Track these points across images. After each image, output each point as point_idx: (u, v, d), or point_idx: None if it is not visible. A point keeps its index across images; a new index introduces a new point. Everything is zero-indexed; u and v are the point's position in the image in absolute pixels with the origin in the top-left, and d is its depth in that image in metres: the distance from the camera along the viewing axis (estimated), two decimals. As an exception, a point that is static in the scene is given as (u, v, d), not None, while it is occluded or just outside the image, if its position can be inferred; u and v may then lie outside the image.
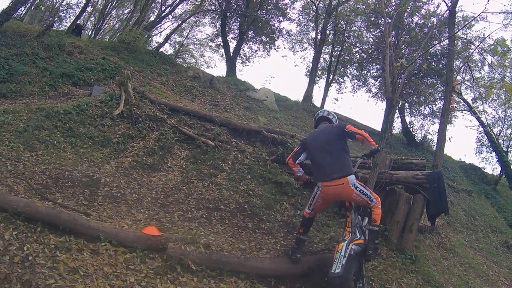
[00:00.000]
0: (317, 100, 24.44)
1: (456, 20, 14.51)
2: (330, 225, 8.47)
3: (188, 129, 9.82)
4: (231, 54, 22.69)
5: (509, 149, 29.33)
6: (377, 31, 20.53)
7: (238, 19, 23.16)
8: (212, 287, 5.23)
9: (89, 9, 27.14)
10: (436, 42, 16.88)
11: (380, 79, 22.42)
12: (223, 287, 5.31)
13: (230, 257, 5.87)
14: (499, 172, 26.32)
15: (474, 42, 17.82)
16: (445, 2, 13.60)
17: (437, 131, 13.10)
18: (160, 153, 8.96)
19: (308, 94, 22.41)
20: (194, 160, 9.07)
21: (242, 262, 5.82)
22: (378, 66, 21.79)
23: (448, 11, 13.25)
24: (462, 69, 19.07)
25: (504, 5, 25.03)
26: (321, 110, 6.95)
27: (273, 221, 7.90)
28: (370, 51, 21.60)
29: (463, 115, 26.25)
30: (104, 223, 5.64)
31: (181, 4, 25.30)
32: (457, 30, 14.60)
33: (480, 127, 26.60)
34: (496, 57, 16.43)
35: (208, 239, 6.21)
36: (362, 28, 22.32)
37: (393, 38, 19.23)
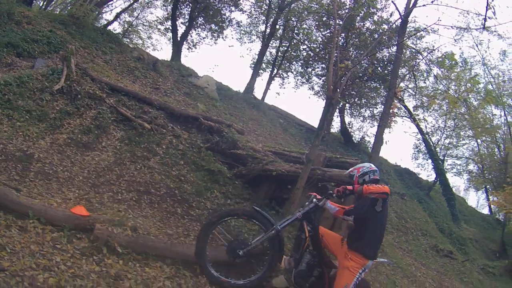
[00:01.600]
0: (258, 93, 24.63)
1: (408, 30, 14.96)
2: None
3: (126, 110, 9.74)
4: (178, 39, 22.27)
5: (446, 158, 30.89)
6: (327, 31, 20.60)
7: (190, 4, 22.73)
8: (137, 270, 5.25)
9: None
10: (384, 47, 17.27)
11: (324, 78, 22.45)
12: (148, 271, 5.35)
13: (157, 241, 5.91)
14: (433, 179, 27.56)
15: (422, 52, 18.49)
16: (398, 11, 13.81)
17: (375, 134, 13.52)
18: (95, 132, 8.81)
19: (250, 86, 22.35)
20: (128, 141, 9.01)
21: (168, 247, 5.88)
22: (323, 65, 21.85)
23: (400, 19, 13.50)
24: (407, 77, 19.71)
25: (458, 21, 26.07)
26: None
27: (202, 208, 7.96)
28: (318, 50, 21.76)
29: (403, 121, 27.10)
30: (34, 200, 5.60)
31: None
32: (406, 38, 15.04)
33: (419, 134, 27.72)
34: (442, 70, 17.15)
35: (136, 222, 6.22)
36: (313, 27, 22.33)
37: (341, 40, 19.45)
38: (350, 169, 5.71)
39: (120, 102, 10.05)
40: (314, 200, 5.50)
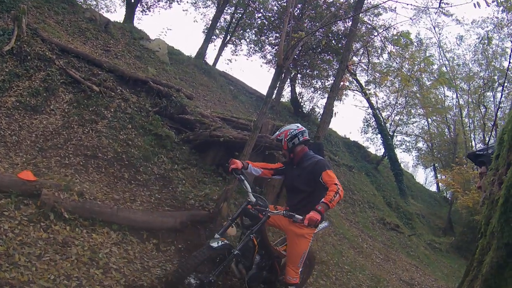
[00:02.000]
0: (210, 59, 24.47)
1: (365, 6, 15.02)
2: (206, 182, 8.76)
3: (75, 72, 9.55)
4: (132, 1, 21.70)
5: (395, 134, 31.75)
6: (284, 0, 20.31)
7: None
8: (84, 236, 5.34)
9: None
10: (339, 21, 17.25)
11: (276, 47, 22.33)
12: (95, 237, 5.45)
13: (103, 206, 5.95)
14: (382, 154, 28.27)
15: (378, 29, 18.71)
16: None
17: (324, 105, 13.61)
18: (44, 95, 8.64)
19: (202, 51, 22.20)
20: (77, 104, 8.88)
21: (115, 212, 5.92)
22: (277, 35, 21.69)
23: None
24: (361, 52, 19.95)
25: (416, 1, 26.31)
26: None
27: (149, 173, 8.05)
28: (273, 19, 21.63)
29: (354, 95, 27.54)
30: (-20, 167, 5.61)
31: None
32: (363, 12, 15.11)
33: (369, 108, 28.27)
34: (397, 48, 17.37)
35: (82, 187, 6.27)
36: (269, -4, 22.14)
37: (297, 11, 19.44)
38: (277, 133, 5.35)
39: (70, 64, 9.82)
40: (264, 209, 4.90)
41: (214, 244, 4.49)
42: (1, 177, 5.50)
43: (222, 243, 4.56)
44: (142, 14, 23.43)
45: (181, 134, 10.03)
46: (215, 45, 25.67)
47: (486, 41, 26.33)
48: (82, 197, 5.93)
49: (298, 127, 5.31)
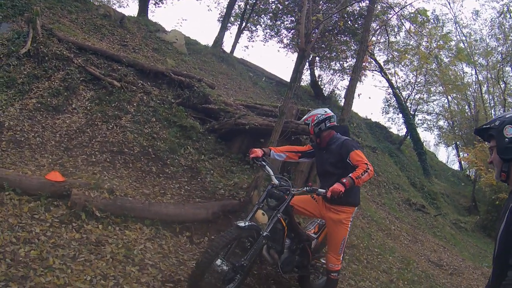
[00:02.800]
0: (227, 46, 24.16)
1: None
2: (234, 171, 8.60)
3: (95, 69, 9.39)
4: (144, -7, 21.55)
5: (416, 113, 31.26)
6: None
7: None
8: (117, 234, 5.23)
9: None
10: (355, 1, 16.97)
11: (293, 30, 22.20)
12: (129, 234, 5.33)
13: (135, 202, 5.83)
14: (404, 133, 27.89)
15: (394, 7, 18.32)
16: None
17: (346, 87, 13.39)
18: (65, 94, 8.50)
19: (219, 40, 21.87)
20: (99, 101, 8.72)
21: (146, 207, 5.80)
22: (292, 18, 21.50)
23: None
24: (378, 31, 19.60)
25: None
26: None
27: (177, 165, 7.92)
28: (287, 2, 21.28)
29: (373, 75, 27.16)
30: (7, 170, 5.45)
31: None
32: None
33: (390, 88, 27.86)
34: (414, 25, 17.02)
35: (112, 184, 6.11)
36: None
37: None
38: (305, 117, 5.22)
39: (89, 61, 9.65)
40: (288, 188, 4.81)
41: (242, 224, 4.38)
42: (30, 180, 5.37)
43: (250, 223, 4.45)
44: (155, 7, 23.28)
45: (205, 124, 9.85)
46: (231, 33, 25.63)
47: (508, 14, 25.60)
48: (112, 194, 5.79)
49: (326, 112, 5.12)
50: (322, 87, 24.56)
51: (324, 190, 4.32)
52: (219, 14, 25.23)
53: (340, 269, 5.21)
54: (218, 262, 4.27)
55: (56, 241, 4.60)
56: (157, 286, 4.55)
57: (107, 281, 4.28)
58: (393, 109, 29.94)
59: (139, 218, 5.70)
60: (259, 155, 5.01)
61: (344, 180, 4.27)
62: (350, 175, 4.39)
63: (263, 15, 24.24)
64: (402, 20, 17.14)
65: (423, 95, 31.59)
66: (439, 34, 25.50)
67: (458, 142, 36.79)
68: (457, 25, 32.49)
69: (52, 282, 3.93)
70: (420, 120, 35.81)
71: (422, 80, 29.29)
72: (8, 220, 4.61)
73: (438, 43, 23.29)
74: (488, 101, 33.38)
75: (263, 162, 5.02)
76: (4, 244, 4.20)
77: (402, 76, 28.60)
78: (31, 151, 6.74)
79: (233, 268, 4.36)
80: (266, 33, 24.39)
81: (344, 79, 24.58)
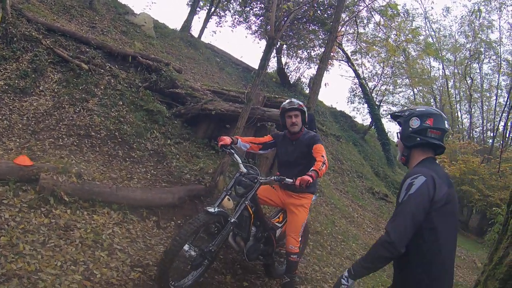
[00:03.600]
0: (195, 31, 23.85)
1: None
2: (200, 156, 8.67)
3: (63, 51, 9.21)
4: (114, -26, 20.97)
5: (381, 104, 31.56)
6: None
7: None
8: (86, 219, 5.24)
9: None
10: None
11: (261, 17, 22.00)
12: (97, 218, 5.35)
13: (102, 186, 5.82)
14: (369, 123, 28.03)
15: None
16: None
17: (312, 76, 13.41)
18: (33, 76, 8.33)
19: (187, 24, 21.66)
20: (66, 84, 8.59)
21: (114, 192, 5.81)
22: (262, 5, 21.41)
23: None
24: (347, 22, 19.72)
25: None
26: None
27: (143, 149, 7.93)
28: (257, -11, 20.99)
29: (339, 65, 27.22)
30: (-25, 155, 5.40)
31: None
32: None
33: (356, 78, 27.87)
34: (384, 18, 17.16)
35: (79, 168, 6.08)
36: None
37: None
38: (299, 104, 5.22)
39: (57, 43, 9.45)
40: (256, 177, 4.86)
41: (211, 209, 4.43)
42: (-2, 165, 5.28)
43: (219, 209, 4.51)
44: (125, -12, 22.67)
45: (172, 109, 9.86)
46: (199, 17, 25.21)
47: (478, 13, 26.20)
48: (80, 178, 5.76)
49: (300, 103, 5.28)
50: (288, 74, 24.50)
51: (291, 180, 4.41)
52: (189, -2, 24.87)
53: (299, 252, 5.32)
54: (186, 247, 4.33)
55: (26, 227, 4.59)
56: (126, 270, 4.60)
57: (77, 266, 4.31)
58: (359, 99, 30.16)
59: (106, 203, 5.72)
60: (227, 143, 5.05)
61: (310, 173, 4.40)
62: (312, 168, 4.52)
63: (232, 1, 24.07)
64: (372, 13, 17.34)
65: (389, 86, 32.10)
66: (408, 28, 25.86)
67: (422, 135, 37.50)
68: (427, 20, 33.16)
69: (23, 269, 3.94)
70: (385, 111, 36.31)
71: (388, 72, 29.65)
72: (-23, 206, 4.55)
73: (407, 37, 23.62)
74: (454, 96, 34.35)
75: (231, 150, 5.07)
76: (-27, 231, 4.17)
77: (369, 67, 28.90)
78: (-2, 134, 6.60)
79: (201, 253, 4.42)
80: (235, 19, 24.18)
81: (310, 68, 24.65)
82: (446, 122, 3.00)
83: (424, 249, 2.76)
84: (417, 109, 3.09)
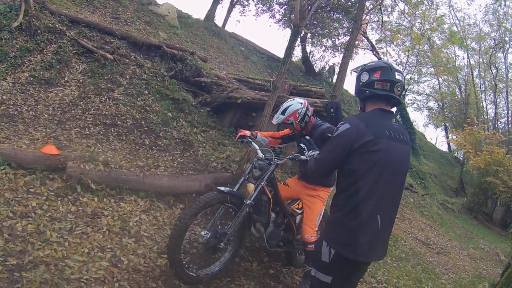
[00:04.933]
0: (219, 20, 23.67)
1: None
2: (226, 144, 8.59)
3: (87, 42, 9.17)
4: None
5: (406, 93, 31.17)
6: None
7: None
8: (113, 206, 5.22)
9: None
10: None
11: (285, 6, 21.80)
12: (124, 206, 5.32)
13: (129, 174, 5.79)
14: (394, 112, 27.72)
15: None
16: None
17: (338, 64, 13.25)
18: (57, 67, 8.30)
19: (211, 13, 21.35)
20: (91, 74, 8.56)
21: (141, 179, 5.77)
22: (285, -7, 21.15)
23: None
24: (371, 10, 19.44)
25: None
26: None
27: (169, 138, 7.87)
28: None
29: (364, 53, 26.87)
30: (2, 145, 5.37)
31: None
32: None
33: None
34: (408, 6, 16.86)
35: (106, 156, 6.06)
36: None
37: None
38: (283, 117, 4.92)
39: (81, 34, 9.43)
40: (271, 159, 4.78)
41: (222, 188, 4.40)
42: (25, 154, 5.28)
43: (231, 189, 4.47)
44: (147, -21, 22.64)
45: (198, 97, 9.79)
46: (222, 7, 24.91)
47: (503, 1, 25.48)
48: (107, 166, 5.75)
49: (301, 103, 4.98)
50: (313, 63, 24.07)
51: (305, 157, 4.15)
52: (212, -13, 24.69)
53: (315, 241, 5.15)
54: (203, 232, 4.33)
55: (53, 215, 4.57)
56: (153, 257, 4.55)
57: (104, 253, 4.28)
58: (384, 87, 29.60)
59: (133, 190, 5.67)
60: (246, 134, 5.10)
61: None
62: None
63: (255, -11, 23.64)
64: (396, 1, 16.98)
65: (414, 75, 31.73)
66: (432, 16, 25.32)
67: (447, 124, 36.92)
68: (451, 8, 32.45)
69: (51, 256, 3.91)
70: (410, 100, 35.97)
71: (413, 61, 29.30)
72: (4, 194, 4.56)
73: (431, 25, 23.11)
74: (479, 85, 33.66)
75: (249, 139, 5.06)
76: (1, 219, 4.17)
77: (393, 56, 28.46)
78: (24, 125, 6.61)
79: (215, 235, 4.34)
80: (258, 7, 23.80)
81: (335, 56, 24.39)
82: (396, 73, 3.16)
83: (344, 186, 3.10)
84: (368, 64, 3.32)
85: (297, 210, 5.44)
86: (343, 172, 3.10)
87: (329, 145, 3.17)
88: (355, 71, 3.39)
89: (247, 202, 4.45)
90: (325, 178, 4.82)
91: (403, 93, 3.45)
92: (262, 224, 4.88)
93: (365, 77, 3.22)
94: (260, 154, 4.85)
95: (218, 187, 4.45)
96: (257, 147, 4.97)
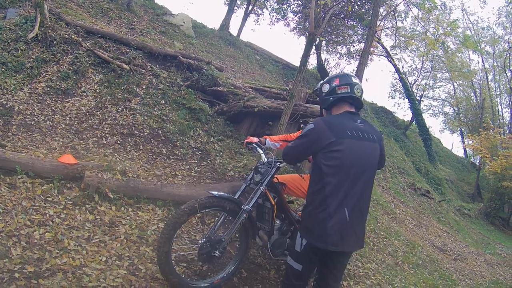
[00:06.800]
0: (233, 29, 23.76)
1: None
2: (243, 153, 8.54)
3: (103, 52, 9.26)
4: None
5: (422, 99, 31.04)
6: None
7: None
8: (130, 215, 5.21)
9: None
10: None
11: (299, 14, 21.94)
12: (142, 215, 5.31)
13: (147, 183, 5.79)
14: (410, 118, 27.50)
15: None
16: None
17: (353, 71, 13.21)
18: (74, 77, 8.39)
19: (226, 23, 21.48)
20: (108, 84, 8.64)
21: (159, 188, 5.78)
22: (299, 2, 21.24)
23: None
24: (385, 16, 19.41)
25: None
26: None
27: (186, 147, 7.89)
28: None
29: (379, 60, 27.12)
30: (20, 154, 5.36)
31: None
32: None
33: (396, 73, 27.50)
34: (422, 11, 16.85)
35: (124, 165, 6.07)
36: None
37: None
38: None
39: (97, 44, 9.51)
40: (272, 161, 4.58)
41: (214, 192, 4.21)
42: (42, 163, 5.30)
43: (224, 194, 4.28)
44: (162, -11, 22.90)
45: (214, 107, 9.79)
46: (237, 16, 25.18)
47: None
48: (125, 175, 5.75)
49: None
50: (328, 70, 23.99)
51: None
52: (226, -4, 24.87)
53: None
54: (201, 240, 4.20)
55: (70, 223, 4.57)
56: (171, 266, 4.49)
57: (122, 262, 4.25)
58: (399, 94, 29.72)
59: (151, 199, 5.68)
60: (253, 141, 4.98)
61: None
62: None
63: (269, -2, 23.70)
64: (410, 6, 16.92)
65: (429, 81, 31.59)
66: (446, 20, 25.24)
67: (463, 129, 36.64)
68: (464, 12, 32.31)
69: (68, 264, 3.89)
70: (426, 106, 35.73)
71: (428, 66, 29.26)
72: (22, 203, 4.57)
73: (445, 30, 23.01)
74: (494, 89, 33.37)
75: (254, 145, 4.92)
76: (18, 227, 4.16)
77: (408, 62, 28.62)
78: (41, 134, 6.66)
79: (208, 240, 4.14)
80: (273, 16, 24.06)
81: (350, 63, 24.32)
82: (352, 77, 3.64)
83: (314, 182, 3.42)
84: (326, 78, 3.83)
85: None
86: (314, 169, 3.44)
87: (297, 140, 3.59)
88: (315, 91, 3.93)
89: (244, 208, 4.24)
90: None
91: (362, 95, 3.71)
92: (265, 232, 4.71)
93: (326, 88, 3.68)
94: (264, 159, 4.72)
95: (210, 191, 4.28)
96: (261, 152, 4.84)
